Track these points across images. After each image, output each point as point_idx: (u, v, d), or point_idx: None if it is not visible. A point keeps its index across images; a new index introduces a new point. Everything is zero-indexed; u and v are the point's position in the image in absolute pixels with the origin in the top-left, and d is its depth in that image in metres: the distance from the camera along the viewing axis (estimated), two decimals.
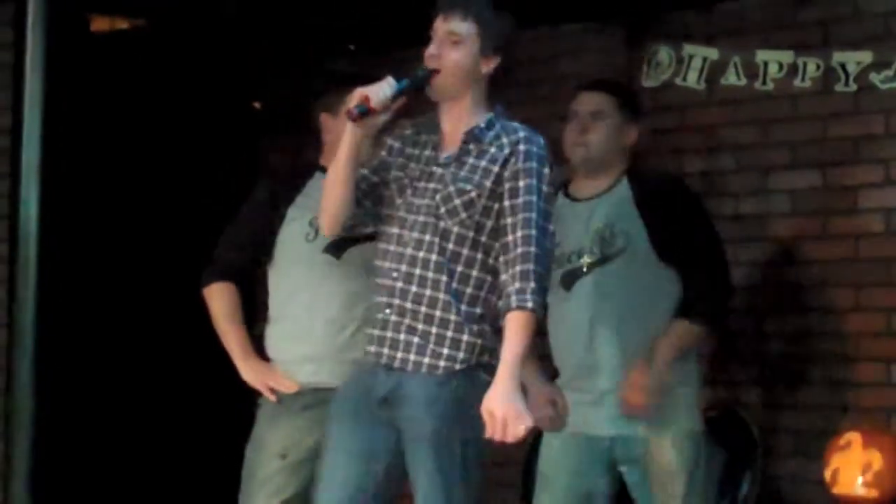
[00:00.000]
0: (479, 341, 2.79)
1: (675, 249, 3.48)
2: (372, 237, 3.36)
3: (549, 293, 3.28)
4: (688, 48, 4.55)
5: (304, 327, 3.60)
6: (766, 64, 4.43)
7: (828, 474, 4.09)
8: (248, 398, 3.77)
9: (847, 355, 4.39)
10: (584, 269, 3.50)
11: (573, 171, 3.63)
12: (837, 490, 4.08)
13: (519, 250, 2.75)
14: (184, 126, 5.65)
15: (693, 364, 3.56)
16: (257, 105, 5.92)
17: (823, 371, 4.44)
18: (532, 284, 2.71)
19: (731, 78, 4.49)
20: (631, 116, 3.60)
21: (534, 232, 2.76)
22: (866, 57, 4.25)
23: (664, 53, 4.58)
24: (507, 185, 2.80)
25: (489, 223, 2.80)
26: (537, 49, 4.88)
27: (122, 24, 5.49)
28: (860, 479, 4.06)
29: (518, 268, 2.73)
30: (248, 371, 3.65)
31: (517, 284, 2.72)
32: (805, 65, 4.39)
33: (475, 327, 2.80)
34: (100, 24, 5.43)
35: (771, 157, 4.58)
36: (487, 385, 2.71)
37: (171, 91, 5.58)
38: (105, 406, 5.52)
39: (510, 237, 2.75)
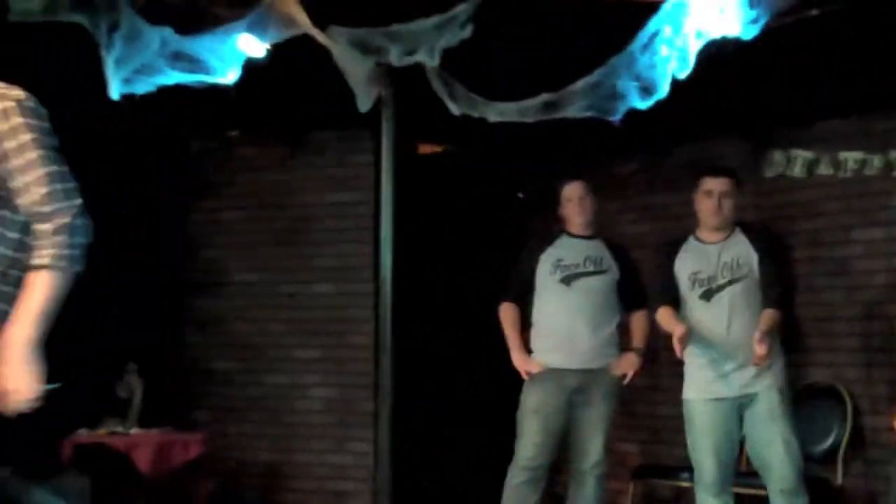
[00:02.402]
0: None
1: (767, 275, 4.92)
2: (593, 273, 5.47)
3: (687, 306, 4.98)
4: (794, 152, 6.23)
5: (546, 330, 5.49)
6: (846, 160, 6.05)
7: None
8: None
9: None
10: (718, 287, 4.89)
11: (703, 226, 5.03)
12: None
13: (46, 208, 2.59)
14: (480, 212, 7.56)
15: (779, 346, 4.91)
16: (521, 195, 7.79)
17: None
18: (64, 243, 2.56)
19: (822, 169, 6.15)
20: (739, 191, 5.11)
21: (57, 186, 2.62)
22: None
23: (779, 155, 6.30)
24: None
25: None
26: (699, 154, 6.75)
27: (437, 149, 7.59)
28: None
29: (48, 225, 2.57)
30: (517, 359, 5.45)
31: (46, 242, 2.56)
32: (873, 160, 6.03)
33: None
34: (424, 148, 7.47)
35: (851, 220, 6.33)
36: None
37: (471, 191, 7.58)
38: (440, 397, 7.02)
39: (30, 194, 2.57)
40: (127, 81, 5.41)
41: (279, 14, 5.53)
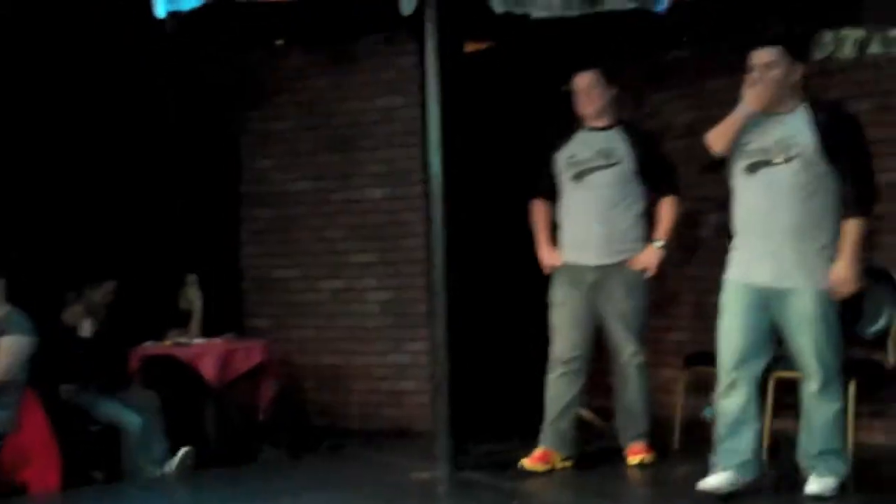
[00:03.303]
0: None
1: (839, 159, 4.37)
2: (605, 167, 5.33)
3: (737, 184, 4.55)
4: (843, 31, 6.13)
5: (564, 226, 5.50)
6: None
7: None
8: None
9: None
10: (765, 163, 4.44)
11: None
12: None
13: None
14: (527, 109, 7.43)
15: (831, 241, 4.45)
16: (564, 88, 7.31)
17: None
18: None
19: (875, 48, 6.04)
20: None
21: None
22: None
23: (828, 36, 6.18)
24: None
25: None
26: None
27: (482, 47, 7.57)
28: None
29: None
30: (540, 255, 5.52)
31: None
32: None
33: None
34: (468, 47, 7.44)
35: None
36: None
37: (518, 88, 7.56)
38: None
39: None
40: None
41: None
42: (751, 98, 4.50)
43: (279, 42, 7.51)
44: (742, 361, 4.56)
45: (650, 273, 5.45)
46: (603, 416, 6.19)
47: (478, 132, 7.03)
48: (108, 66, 6.70)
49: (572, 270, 5.43)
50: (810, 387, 4.57)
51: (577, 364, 5.44)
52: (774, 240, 4.49)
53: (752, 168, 4.52)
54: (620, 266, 5.42)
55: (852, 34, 6.30)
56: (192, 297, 6.82)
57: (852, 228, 4.43)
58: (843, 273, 4.43)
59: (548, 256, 5.49)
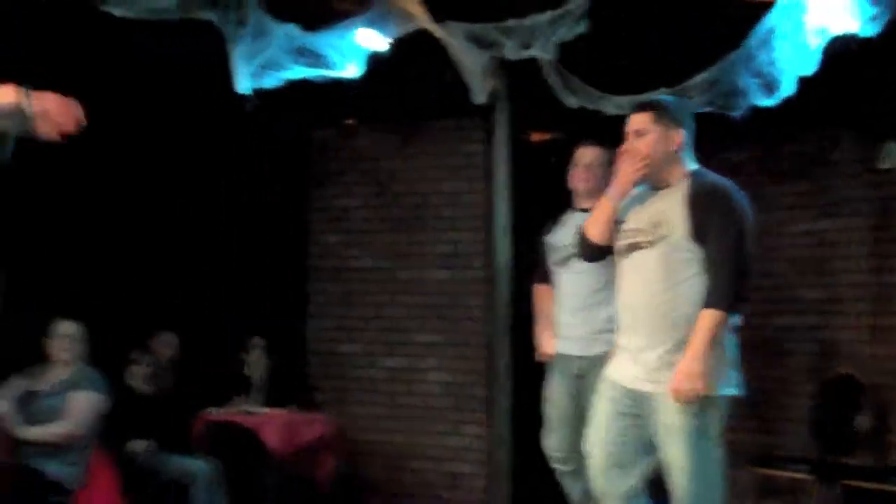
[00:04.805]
0: None
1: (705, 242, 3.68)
2: None
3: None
4: None
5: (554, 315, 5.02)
6: None
7: None
8: None
9: None
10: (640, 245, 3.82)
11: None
12: None
13: None
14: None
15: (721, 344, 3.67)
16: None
17: None
18: None
19: None
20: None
21: None
22: None
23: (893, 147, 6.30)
24: None
25: None
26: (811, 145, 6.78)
27: (548, 136, 7.60)
28: None
29: None
30: (537, 342, 5.07)
31: None
32: None
33: None
34: (535, 136, 7.56)
35: None
36: None
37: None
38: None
39: None
40: (254, 76, 5.69)
41: (398, 9, 5.75)
42: (616, 178, 3.94)
43: (350, 121, 7.69)
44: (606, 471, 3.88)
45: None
46: None
47: (541, 220, 7.12)
48: (188, 137, 6.93)
49: (559, 360, 4.98)
50: None
51: (574, 461, 4.84)
52: (638, 333, 3.83)
53: (626, 250, 3.89)
54: (604, 357, 4.48)
55: None
56: (257, 362, 6.93)
57: (702, 320, 3.62)
58: (684, 369, 3.60)
59: (539, 345, 5.06)
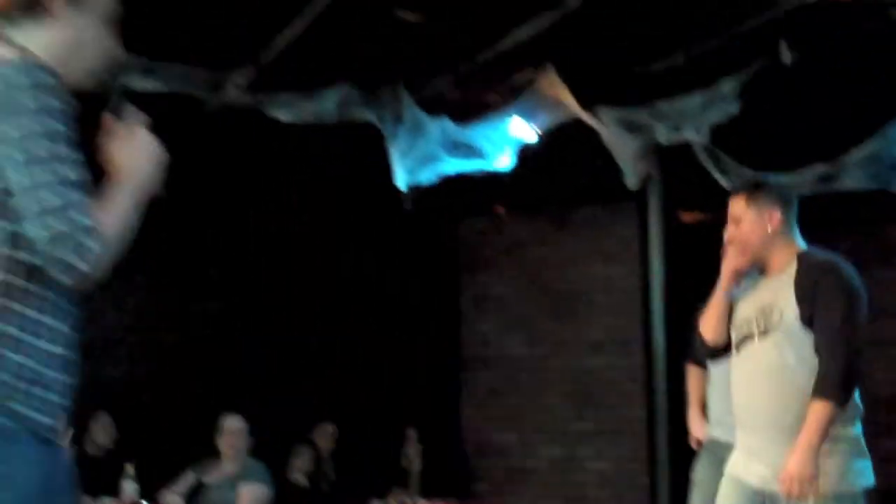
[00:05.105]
0: None
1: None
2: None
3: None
4: None
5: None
6: None
7: None
8: None
9: None
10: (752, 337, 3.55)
11: None
12: None
13: None
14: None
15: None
16: None
17: None
18: None
19: None
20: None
21: None
22: None
23: None
24: None
25: None
26: None
27: (700, 217, 7.34)
28: None
29: None
30: (690, 423, 4.88)
31: None
32: None
33: None
34: (687, 217, 7.33)
35: None
36: None
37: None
38: None
39: None
40: (411, 171, 5.85)
41: (547, 98, 5.84)
42: (723, 269, 3.71)
43: (502, 210, 7.79)
44: None
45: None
46: None
47: (695, 300, 7.06)
48: (349, 232, 7.12)
49: (713, 446, 4.72)
50: None
51: None
52: (758, 431, 3.58)
53: (739, 345, 3.63)
54: None
55: None
56: (412, 454, 6.97)
57: (811, 413, 3.35)
58: (791, 468, 3.35)
59: (692, 429, 4.88)
